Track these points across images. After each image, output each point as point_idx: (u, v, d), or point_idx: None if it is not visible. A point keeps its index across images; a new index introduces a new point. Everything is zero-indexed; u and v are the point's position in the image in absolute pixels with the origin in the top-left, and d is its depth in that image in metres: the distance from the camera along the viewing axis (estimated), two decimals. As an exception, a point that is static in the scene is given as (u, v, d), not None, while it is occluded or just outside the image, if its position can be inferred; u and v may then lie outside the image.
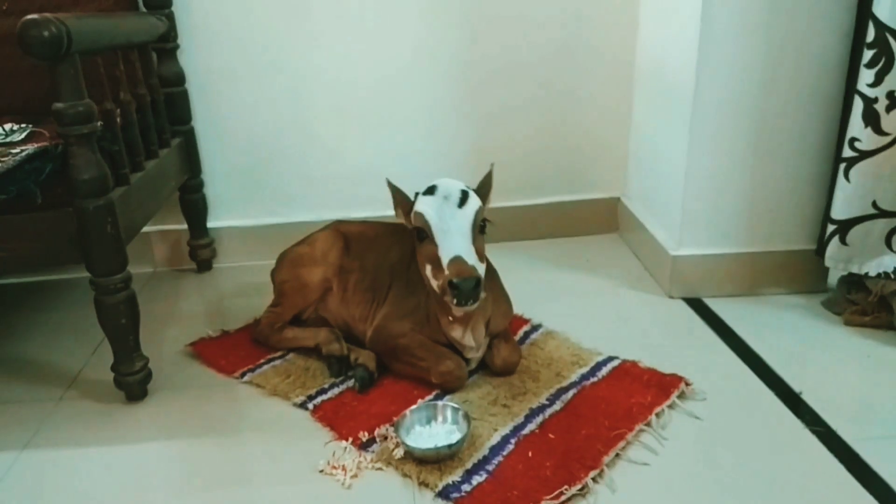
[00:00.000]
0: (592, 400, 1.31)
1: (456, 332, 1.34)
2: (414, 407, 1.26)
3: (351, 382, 1.39)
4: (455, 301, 1.20)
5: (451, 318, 1.33)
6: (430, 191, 1.27)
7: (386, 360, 1.42)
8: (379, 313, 1.44)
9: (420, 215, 1.25)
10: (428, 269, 1.26)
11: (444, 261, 1.21)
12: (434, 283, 1.25)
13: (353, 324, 1.49)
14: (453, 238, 1.22)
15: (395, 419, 1.25)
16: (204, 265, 2.01)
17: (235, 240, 2.03)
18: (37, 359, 1.59)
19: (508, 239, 2.05)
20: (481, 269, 1.23)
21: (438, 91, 1.96)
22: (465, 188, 1.27)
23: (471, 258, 1.21)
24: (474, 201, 1.26)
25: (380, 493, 1.12)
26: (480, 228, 1.27)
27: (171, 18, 1.78)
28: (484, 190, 1.32)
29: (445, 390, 1.35)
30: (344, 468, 1.16)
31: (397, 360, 1.40)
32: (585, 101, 2.01)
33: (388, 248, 1.49)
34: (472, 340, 1.35)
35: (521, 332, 1.56)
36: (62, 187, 1.25)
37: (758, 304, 1.68)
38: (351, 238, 1.53)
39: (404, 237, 1.44)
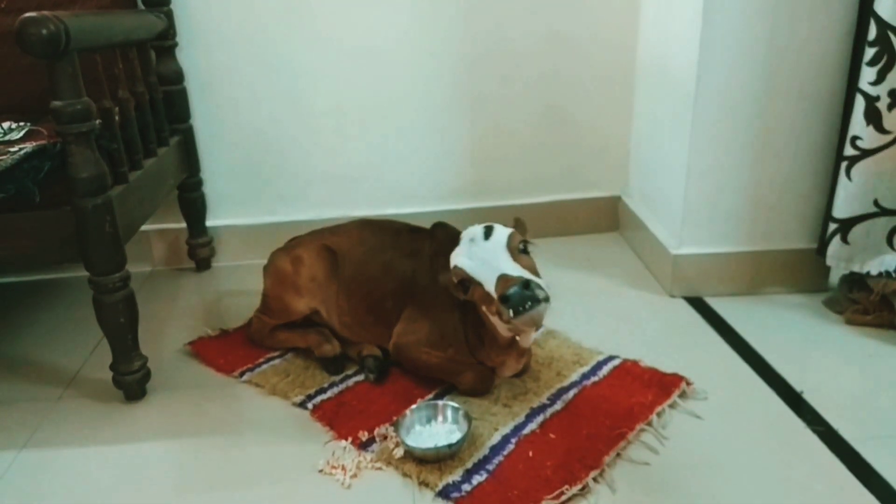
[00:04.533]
0: (593, 399, 1.31)
1: (505, 371, 1.34)
2: (414, 406, 1.26)
3: (352, 382, 1.39)
4: (512, 314, 1.09)
5: (503, 360, 1.31)
6: (457, 243, 1.24)
7: (409, 369, 1.39)
8: (394, 331, 1.38)
9: (456, 268, 1.20)
10: (490, 314, 1.19)
11: (492, 288, 1.14)
12: (500, 325, 1.19)
13: (355, 340, 1.46)
14: (490, 266, 1.16)
15: (394, 418, 1.24)
16: (203, 264, 2.01)
17: (234, 238, 2.03)
18: (35, 358, 1.58)
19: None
20: (537, 280, 1.14)
21: (438, 89, 1.96)
22: (489, 224, 1.22)
23: (516, 272, 1.14)
24: (502, 230, 1.21)
25: (380, 492, 1.12)
26: (521, 250, 1.21)
27: (169, 16, 1.77)
28: (520, 228, 1.26)
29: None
30: (343, 468, 1.16)
31: (421, 371, 1.37)
32: (586, 98, 2.01)
33: (388, 265, 1.41)
34: (510, 371, 1.34)
35: (521, 332, 1.55)
36: (60, 186, 1.24)
37: (759, 303, 1.67)
38: (341, 255, 1.45)
39: (404, 247, 1.42)
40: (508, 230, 1.22)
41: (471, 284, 1.19)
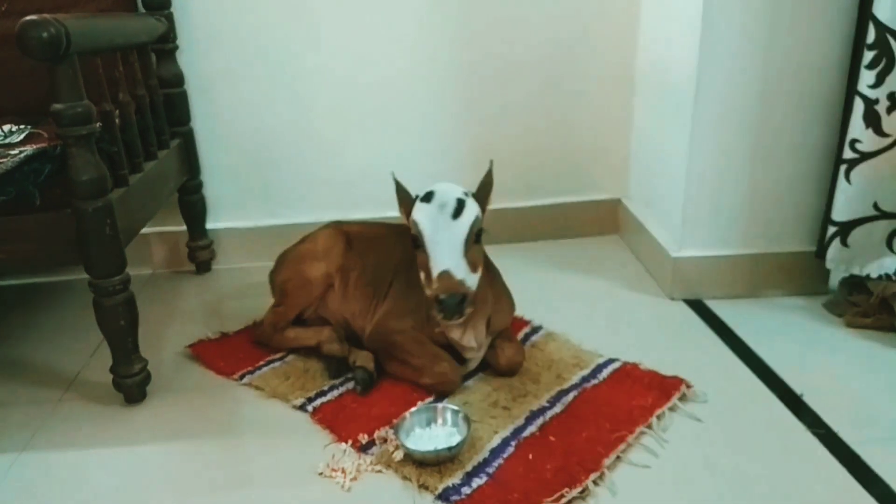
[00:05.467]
0: (593, 402, 1.31)
1: (455, 333, 1.33)
2: (414, 409, 1.26)
3: (351, 384, 1.39)
4: (441, 316, 1.20)
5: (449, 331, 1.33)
6: (428, 198, 1.25)
7: (382, 359, 1.41)
8: (379, 310, 1.44)
9: (415, 223, 1.24)
10: (422, 276, 1.26)
11: (434, 273, 1.21)
12: (427, 292, 1.25)
13: (352, 321, 1.49)
14: (444, 251, 1.21)
15: (394, 421, 1.24)
16: (203, 267, 2.01)
17: (234, 241, 2.03)
18: (35, 361, 1.58)
19: (509, 240, 2.05)
20: (472, 280, 1.22)
21: (438, 92, 1.96)
22: (462, 196, 1.24)
23: (460, 272, 1.20)
24: (470, 211, 1.23)
25: (379, 495, 1.12)
26: (476, 237, 1.25)
27: (170, 19, 1.78)
28: (484, 192, 1.29)
29: (438, 393, 1.34)
30: (343, 471, 1.16)
31: (393, 357, 1.39)
32: (586, 102, 2.01)
33: (391, 247, 1.48)
34: (472, 341, 1.35)
35: (521, 334, 1.55)
36: (61, 188, 1.25)
37: (759, 305, 1.68)
38: (352, 236, 1.54)
39: (406, 236, 1.44)
40: (475, 214, 1.24)
41: (420, 245, 1.24)
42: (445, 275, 1.20)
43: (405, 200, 1.31)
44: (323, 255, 1.50)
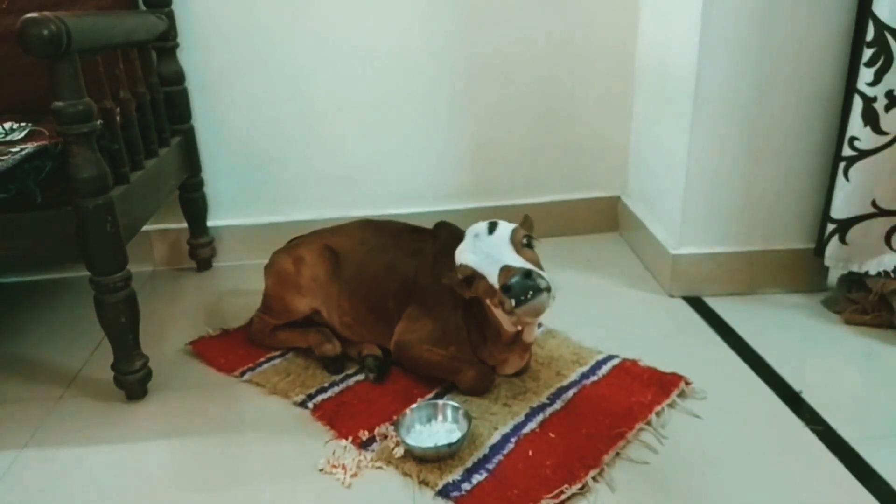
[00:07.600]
0: (593, 399, 1.31)
1: (507, 369, 1.35)
2: (414, 406, 1.26)
3: (352, 382, 1.39)
4: (514, 303, 1.09)
5: (505, 357, 1.32)
6: (462, 240, 1.24)
7: (409, 368, 1.40)
8: (396, 330, 1.39)
9: (462, 266, 1.21)
10: (491, 306, 1.21)
11: (496, 280, 1.15)
12: (504, 319, 1.20)
13: (359, 339, 1.46)
14: (493, 259, 1.17)
15: (395, 418, 1.25)
16: (204, 264, 2.01)
17: (235, 238, 2.03)
18: (36, 358, 1.59)
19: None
20: (539, 271, 1.15)
21: (438, 89, 1.96)
22: (493, 220, 1.23)
23: (518, 263, 1.15)
24: (506, 225, 1.22)
25: (380, 491, 1.13)
26: (525, 244, 1.22)
27: (170, 17, 1.78)
28: (526, 225, 1.27)
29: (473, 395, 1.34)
30: (344, 467, 1.16)
31: (421, 367, 1.38)
32: (586, 99, 2.01)
33: (390, 265, 1.42)
34: (509, 370, 1.36)
35: (521, 331, 1.56)
36: (62, 186, 1.25)
37: (758, 302, 1.68)
38: (342, 256, 1.46)
39: (406, 248, 1.43)
40: (512, 225, 1.23)
41: (475, 279, 1.20)
42: (504, 268, 1.14)
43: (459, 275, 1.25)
44: (306, 286, 1.44)
